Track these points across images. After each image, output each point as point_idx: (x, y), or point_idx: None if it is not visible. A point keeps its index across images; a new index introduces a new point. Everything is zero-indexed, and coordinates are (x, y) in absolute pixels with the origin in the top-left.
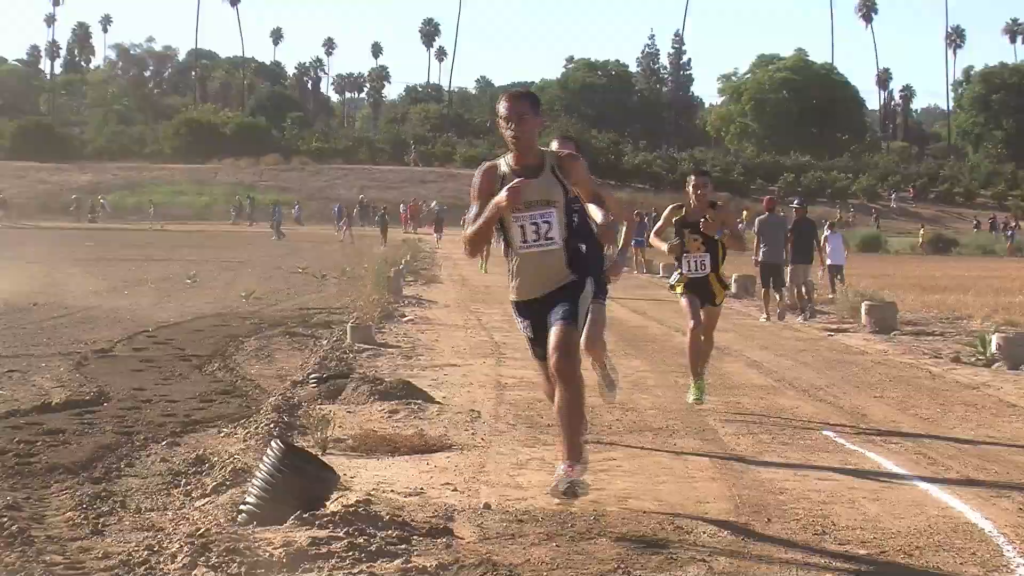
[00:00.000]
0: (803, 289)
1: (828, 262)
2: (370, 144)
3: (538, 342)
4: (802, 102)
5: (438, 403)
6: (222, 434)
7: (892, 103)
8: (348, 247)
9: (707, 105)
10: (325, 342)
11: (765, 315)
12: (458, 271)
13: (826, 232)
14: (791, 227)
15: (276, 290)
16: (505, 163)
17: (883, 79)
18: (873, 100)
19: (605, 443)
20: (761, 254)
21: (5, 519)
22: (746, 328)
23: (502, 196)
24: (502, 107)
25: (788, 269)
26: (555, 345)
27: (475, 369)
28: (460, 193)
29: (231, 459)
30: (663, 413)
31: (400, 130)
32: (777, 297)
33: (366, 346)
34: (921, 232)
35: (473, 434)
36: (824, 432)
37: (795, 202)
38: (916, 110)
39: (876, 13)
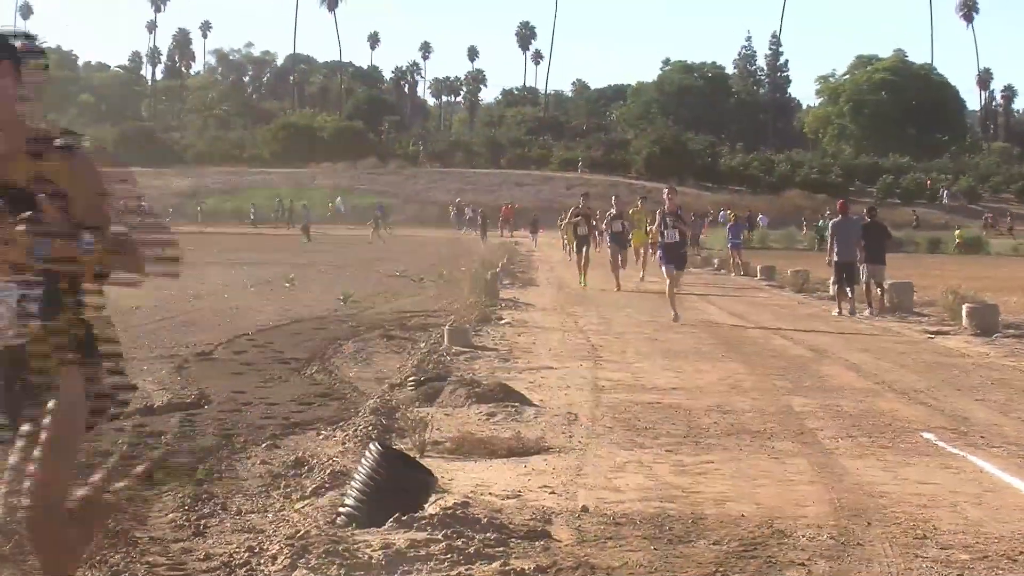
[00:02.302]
0: (874, 287)
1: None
2: (466, 149)
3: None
4: (901, 103)
5: (535, 406)
6: (321, 437)
7: (993, 103)
8: (459, 247)
9: (804, 107)
10: (422, 345)
11: (838, 310)
12: (555, 274)
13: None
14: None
15: (373, 293)
16: None
17: (984, 79)
18: (974, 100)
19: (702, 446)
20: (835, 254)
21: (109, 520)
22: (845, 331)
23: None
24: None
25: (862, 268)
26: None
27: (572, 372)
28: (556, 196)
29: (330, 462)
30: (761, 416)
31: (496, 133)
32: (849, 293)
33: (463, 349)
34: (957, 232)
35: (570, 437)
36: (925, 435)
37: (864, 211)
38: (1018, 110)
39: (977, 12)
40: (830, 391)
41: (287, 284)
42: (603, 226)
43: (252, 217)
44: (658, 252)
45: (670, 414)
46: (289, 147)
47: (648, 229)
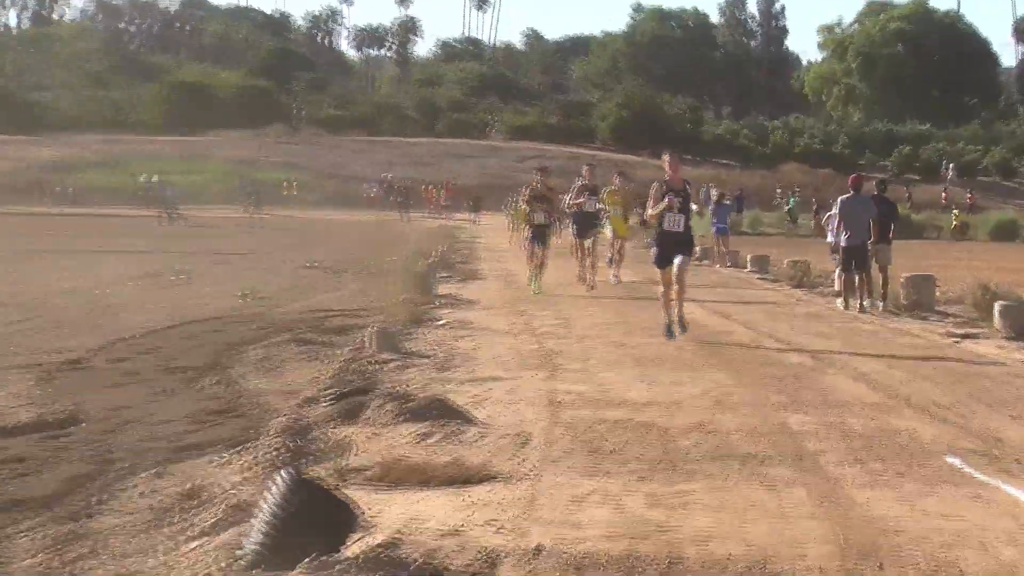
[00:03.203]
0: (877, 273)
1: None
2: (397, 113)
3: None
4: (921, 59)
5: (479, 424)
6: (219, 462)
7: None
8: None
9: (805, 63)
10: (342, 351)
11: (844, 303)
12: (503, 265)
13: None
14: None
15: (283, 289)
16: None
17: (1021, 30)
18: (1008, 56)
19: (681, 472)
20: (844, 237)
21: None
22: (851, 332)
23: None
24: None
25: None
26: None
27: (524, 383)
28: (505, 171)
29: (229, 492)
30: (751, 436)
31: (432, 94)
32: (857, 283)
33: (392, 356)
34: (955, 214)
35: (522, 462)
36: (949, 459)
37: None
38: None
39: None
40: (835, 406)
41: (176, 277)
42: (568, 201)
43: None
44: (654, 252)
45: (642, 434)
46: (181, 111)
47: (644, 214)
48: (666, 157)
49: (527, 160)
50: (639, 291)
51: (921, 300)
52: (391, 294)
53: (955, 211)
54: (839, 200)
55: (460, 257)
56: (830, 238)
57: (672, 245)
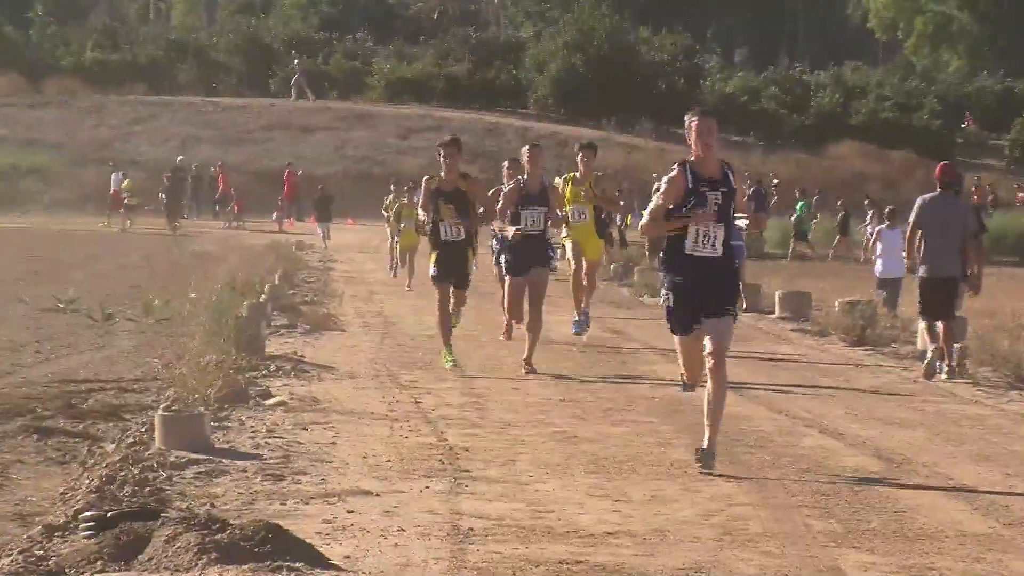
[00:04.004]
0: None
1: (879, 273)
2: (201, 58)
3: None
4: None
5: (336, 568)
6: None
7: None
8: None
9: None
10: (111, 448)
11: (927, 368)
12: (375, 306)
13: (876, 227)
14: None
15: (13, 344)
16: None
17: None
18: None
19: None
20: (923, 266)
21: None
22: (943, 419)
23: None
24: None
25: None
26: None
27: (409, 501)
28: (379, 151)
29: None
30: None
31: (258, 29)
32: (940, 334)
33: (193, 455)
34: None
35: None
36: None
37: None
38: None
39: None
40: (918, 540)
41: None
42: (497, 218)
43: None
44: (665, 282)
45: None
46: None
47: (640, 223)
48: (692, 121)
49: (414, 134)
50: (605, 343)
51: None
52: (191, 354)
53: None
54: (918, 201)
55: (307, 293)
56: (879, 268)
57: (701, 287)
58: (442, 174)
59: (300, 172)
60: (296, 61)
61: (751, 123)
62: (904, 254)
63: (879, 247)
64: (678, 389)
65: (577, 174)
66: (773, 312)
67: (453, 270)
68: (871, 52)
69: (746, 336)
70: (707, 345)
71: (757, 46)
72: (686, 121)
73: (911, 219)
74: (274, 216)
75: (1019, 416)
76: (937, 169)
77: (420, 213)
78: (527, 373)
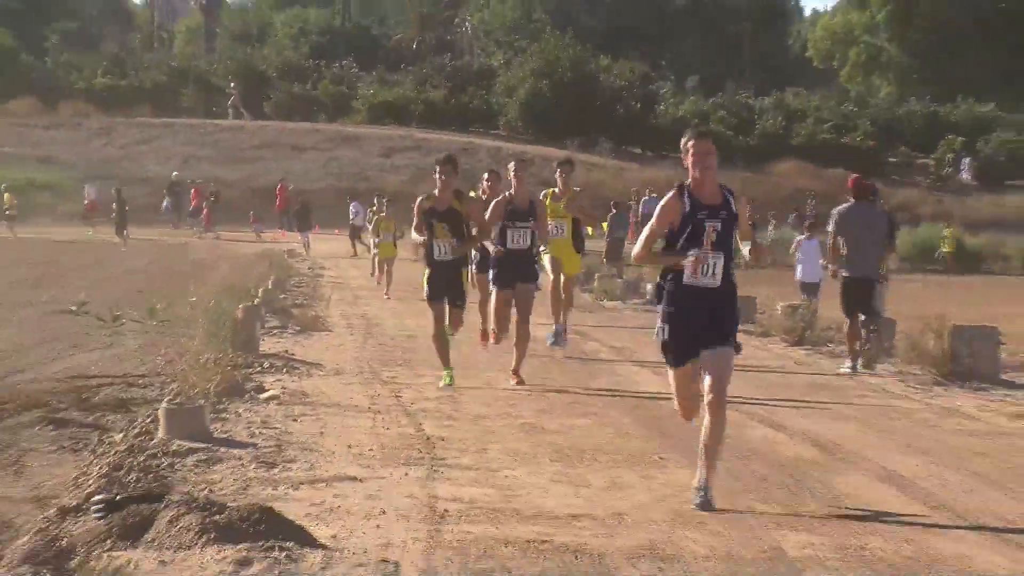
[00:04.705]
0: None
1: (800, 278)
2: (201, 83)
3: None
4: (979, 8)
5: (323, 547)
6: None
7: None
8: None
9: (808, 14)
10: (119, 437)
11: (850, 363)
12: (359, 308)
13: (797, 237)
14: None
15: (29, 344)
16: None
17: None
18: None
19: None
20: (845, 266)
21: None
22: (876, 412)
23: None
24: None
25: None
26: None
27: (390, 486)
28: (363, 168)
29: None
30: (729, 567)
31: (254, 56)
32: (863, 332)
33: (194, 444)
34: (946, 232)
35: None
36: None
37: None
38: None
39: None
40: (852, 521)
41: None
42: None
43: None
44: (661, 332)
45: (566, 563)
46: None
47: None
48: (688, 142)
49: (396, 153)
50: (569, 345)
51: (978, 364)
52: (192, 352)
53: (946, 229)
54: (835, 212)
55: (297, 297)
56: (799, 273)
57: (699, 318)
58: (436, 193)
59: (291, 187)
60: (232, 85)
61: None
62: (821, 261)
63: (799, 255)
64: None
65: (556, 190)
66: None
67: (446, 289)
68: (810, 79)
69: None
70: (706, 381)
71: (707, 74)
72: (682, 143)
73: (830, 228)
74: (252, 227)
75: (944, 410)
76: (849, 182)
77: (414, 235)
78: (517, 384)
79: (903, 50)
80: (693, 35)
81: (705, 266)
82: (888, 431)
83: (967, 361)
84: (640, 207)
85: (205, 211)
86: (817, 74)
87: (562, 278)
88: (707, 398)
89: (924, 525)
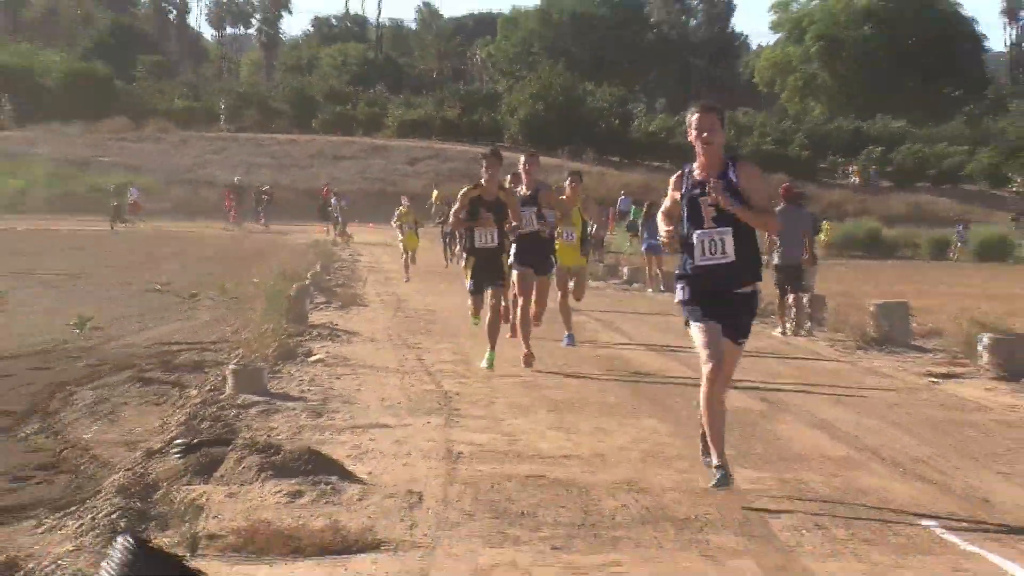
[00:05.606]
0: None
1: None
2: (261, 105)
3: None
4: (894, 42)
5: (360, 481)
6: (42, 528)
7: None
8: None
9: (755, 47)
10: (194, 392)
11: (781, 328)
12: (390, 288)
13: None
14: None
15: (123, 316)
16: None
17: (1012, 9)
18: (999, 39)
19: (605, 540)
20: (776, 255)
21: None
22: (809, 371)
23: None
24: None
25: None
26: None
27: (415, 432)
28: (392, 174)
29: (56, 565)
30: (690, 496)
31: (305, 83)
32: (793, 309)
33: (255, 398)
34: (824, 226)
35: (412, 527)
36: (927, 525)
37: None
38: None
39: None
40: (790, 460)
41: None
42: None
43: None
44: (681, 292)
45: (559, 494)
46: None
47: (661, 231)
48: (693, 114)
49: (419, 162)
50: (559, 318)
51: (893, 332)
52: (254, 323)
53: (826, 222)
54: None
55: (339, 279)
56: None
57: (713, 297)
58: (483, 183)
59: (334, 190)
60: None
61: (668, 154)
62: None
63: None
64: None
65: (564, 198)
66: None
67: (488, 276)
68: (756, 102)
69: (665, 311)
70: (727, 353)
71: (672, 97)
72: (688, 116)
73: None
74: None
75: (865, 369)
76: (782, 189)
77: (452, 219)
78: (526, 358)
79: (832, 77)
80: (661, 66)
81: (712, 243)
82: (819, 386)
83: (884, 330)
84: (618, 204)
85: (260, 209)
86: (762, 97)
87: (571, 290)
88: (725, 377)
89: (849, 463)
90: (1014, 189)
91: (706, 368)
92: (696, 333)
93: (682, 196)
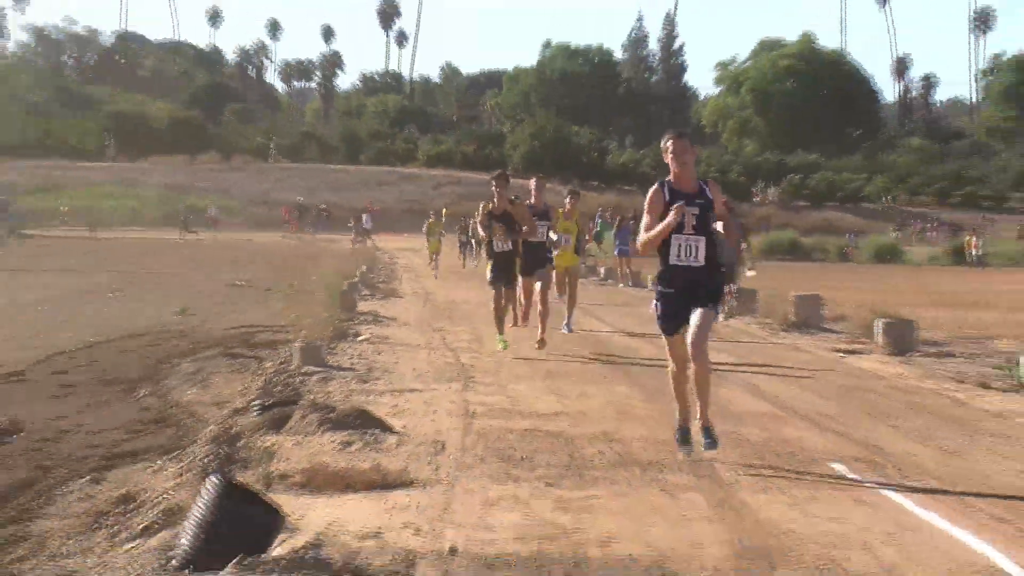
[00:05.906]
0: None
1: None
2: (320, 142)
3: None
4: (809, 93)
5: (397, 433)
6: (152, 469)
7: (911, 95)
8: (298, 255)
9: (702, 97)
10: (269, 364)
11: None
12: (420, 284)
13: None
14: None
15: (213, 305)
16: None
17: (901, 67)
18: (890, 91)
19: (586, 479)
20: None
21: None
22: (744, 349)
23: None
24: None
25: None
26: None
27: (439, 395)
28: (422, 196)
29: (162, 497)
30: (653, 445)
31: (354, 124)
32: (729, 297)
33: (316, 369)
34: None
35: (437, 468)
36: (834, 467)
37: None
38: (938, 102)
39: None
40: (730, 417)
41: (112, 295)
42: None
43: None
44: (655, 295)
45: (550, 443)
46: (117, 139)
47: (639, 238)
48: (668, 142)
49: (442, 186)
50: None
51: (809, 318)
52: (315, 311)
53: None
54: None
55: (381, 277)
56: None
57: (685, 292)
58: (495, 200)
59: (377, 207)
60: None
61: (634, 181)
62: None
63: None
64: (677, 447)
65: (564, 211)
66: (648, 286)
67: (504, 275)
68: (703, 139)
69: (631, 302)
70: (689, 333)
71: (638, 137)
72: (663, 143)
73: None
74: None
75: (788, 346)
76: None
77: (480, 230)
78: (541, 340)
79: (764, 120)
80: (630, 112)
81: (688, 248)
82: (752, 359)
83: (802, 316)
84: (596, 217)
85: (316, 223)
86: (707, 136)
87: (567, 286)
88: (689, 350)
89: (775, 419)
90: (884, 202)
91: (671, 367)
92: (667, 342)
93: (666, 203)
